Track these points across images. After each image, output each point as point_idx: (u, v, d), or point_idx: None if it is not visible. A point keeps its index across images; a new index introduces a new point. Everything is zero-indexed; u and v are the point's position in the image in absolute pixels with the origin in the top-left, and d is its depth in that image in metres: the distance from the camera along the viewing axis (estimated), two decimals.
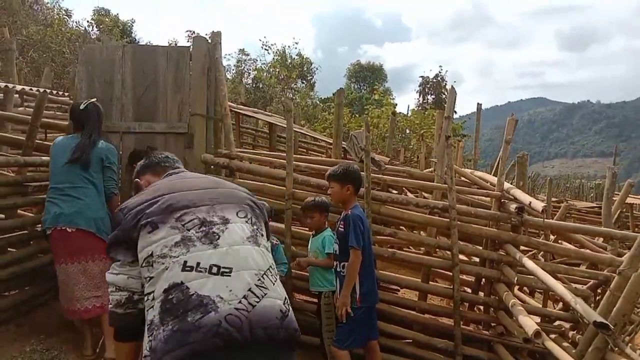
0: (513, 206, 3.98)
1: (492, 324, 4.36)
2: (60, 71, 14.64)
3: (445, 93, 28.50)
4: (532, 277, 3.89)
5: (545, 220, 3.96)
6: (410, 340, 4.30)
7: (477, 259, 4.67)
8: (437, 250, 5.55)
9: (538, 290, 5.32)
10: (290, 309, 1.90)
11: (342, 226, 3.60)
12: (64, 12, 19.37)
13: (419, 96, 31.36)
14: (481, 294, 4.44)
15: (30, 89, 6.86)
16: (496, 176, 4.49)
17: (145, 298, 1.84)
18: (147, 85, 4.72)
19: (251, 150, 8.07)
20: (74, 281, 3.63)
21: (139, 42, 27.26)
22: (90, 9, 28.20)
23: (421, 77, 31.30)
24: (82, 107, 3.82)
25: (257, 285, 1.83)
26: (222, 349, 1.68)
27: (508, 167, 4.83)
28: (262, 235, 2.07)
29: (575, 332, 4.11)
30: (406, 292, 5.46)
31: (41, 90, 4.51)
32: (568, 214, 14.15)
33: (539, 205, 3.67)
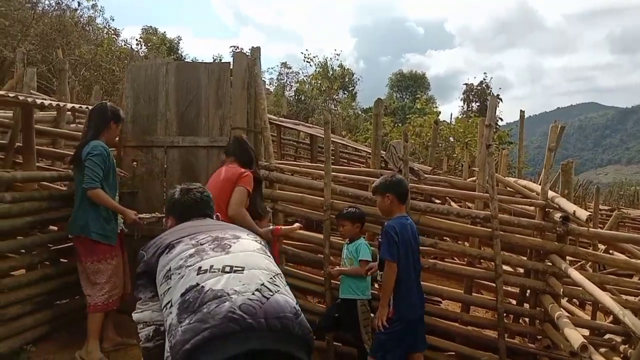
0: (558, 215, 3.86)
1: (538, 337, 4.23)
2: (110, 88, 15.23)
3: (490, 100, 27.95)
4: (579, 288, 3.76)
5: (591, 229, 3.82)
6: (453, 353, 4.22)
7: (522, 270, 4.55)
8: (481, 261, 5.45)
9: (589, 303, 5.12)
10: (302, 314, 1.94)
11: (380, 237, 3.59)
12: (112, 31, 20.14)
13: (463, 104, 30.95)
14: (526, 305, 4.32)
15: (81, 107, 7.18)
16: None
17: (164, 309, 1.91)
18: (189, 100, 4.86)
19: (292, 162, 8.15)
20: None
21: (184, 58, 28.11)
22: (138, 28, 29.24)
23: (465, 84, 30.94)
24: (92, 108, 4.05)
25: (269, 282, 1.91)
26: (239, 333, 1.72)
27: (556, 175, 4.66)
28: (271, 257, 2.16)
29: (627, 346, 3.94)
30: (449, 304, 5.37)
31: (90, 107, 4.70)
32: (621, 222, 13.59)
33: (583, 214, 3.54)
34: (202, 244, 2.01)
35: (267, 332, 1.75)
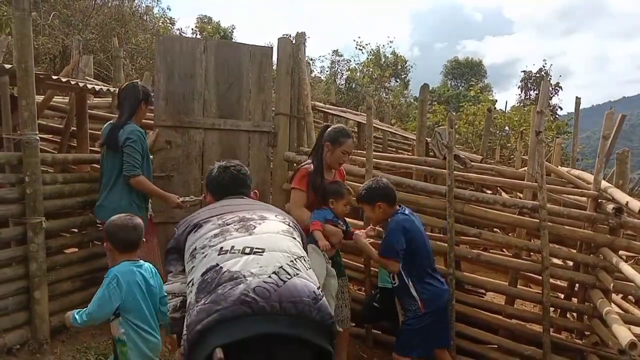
0: (610, 207, 3.67)
1: (586, 333, 4.05)
2: None
3: (551, 88, 26.89)
4: (631, 284, 3.56)
5: None
6: (496, 346, 4.11)
7: (571, 263, 4.36)
8: (531, 253, 5.27)
9: None
10: (324, 298, 1.89)
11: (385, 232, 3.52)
12: (168, 20, 20.66)
13: (521, 92, 29.87)
14: (574, 300, 4.15)
15: None
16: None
17: (187, 286, 1.93)
18: (231, 82, 4.69)
19: None
20: None
21: None
22: (194, 17, 29.88)
23: (523, 71, 29.81)
24: (121, 87, 3.94)
25: (289, 265, 1.87)
26: (250, 316, 1.70)
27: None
28: (297, 239, 2.14)
29: None
30: (495, 296, 5.24)
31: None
32: None
33: (636, 205, 3.35)
34: (228, 224, 2.03)
35: (281, 315, 1.73)
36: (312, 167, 3.54)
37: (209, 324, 1.70)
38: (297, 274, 1.86)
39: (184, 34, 21.13)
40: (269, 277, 1.79)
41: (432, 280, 3.42)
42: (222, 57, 4.67)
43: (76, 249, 4.33)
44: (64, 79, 4.17)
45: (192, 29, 24.49)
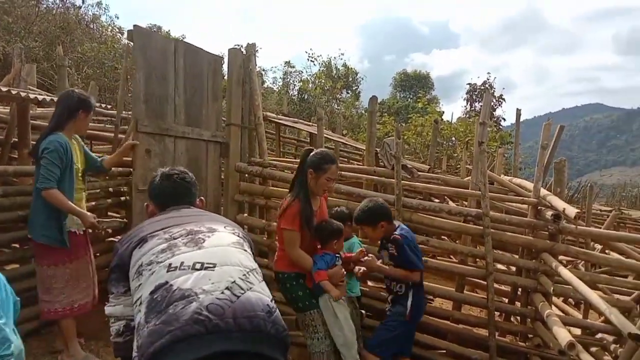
0: (549, 213, 3.86)
1: (529, 336, 4.21)
2: (112, 86, 15.30)
3: (494, 100, 27.93)
4: (570, 287, 3.75)
5: (581, 227, 3.81)
6: (444, 351, 4.21)
7: (514, 268, 4.54)
8: (477, 260, 5.44)
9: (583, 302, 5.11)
10: (278, 311, 1.87)
11: (393, 249, 3.52)
12: (117, 29, 20.22)
13: (467, 104, 30.88)
14: (518, 304, 4.31)
15: None
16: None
17: (135, 306, 1.85)
18: (195, 87, 4.47)
19: (288, 159, 8.16)
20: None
21: None
22: (143, 26, 29.33)
23: (468, 84, 30.87)
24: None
25: (241, 279, 1.83)
26: (204, 335, 1.65)
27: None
28: (248, 250, 2.10)
29: (617, 345, 3.92)
30: (442, 302, 5.37)
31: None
32: (622, 223, 13.57)
33: (572, 211, 3.53)
34: (175, 239, 1.95)
35: (236, 332, 1.69)
36: (300, 204, 3.34)
37: (161, 346, 1.64)
38: (251, 288, 1.83)
39: (132, 44, 20.70)
40: (222, 293, 1.75)
41: (422, 291, 3.63)
42: (189, 61, 4.44)
43: (17, 265, 4.15)
44: (4, 89, 4.02)
45: None
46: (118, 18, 22.64)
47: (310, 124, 10.25)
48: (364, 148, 9.81)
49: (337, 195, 4.45)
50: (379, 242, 3.72)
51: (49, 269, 3.52)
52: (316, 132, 7.75)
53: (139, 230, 2.08)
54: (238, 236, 2.13)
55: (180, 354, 1.62)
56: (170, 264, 1.83)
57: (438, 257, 5.51)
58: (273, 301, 1.89)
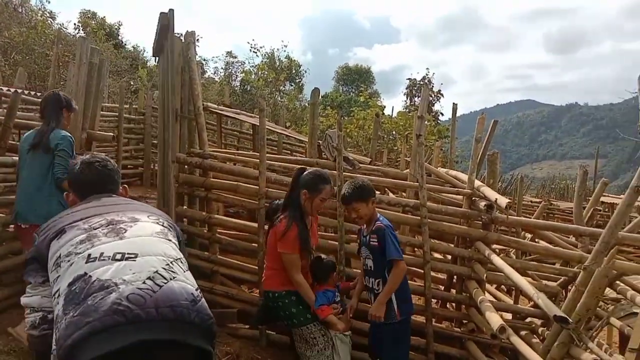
0: (482, 204, 4.01)
1: (464, 321, 4.38)
2: (43, 73, 14.57)
3: (433, 95, 28.69)
4: (502, 274, 3.92)
5: (512, 217, 3.99)
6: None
7: (449, 257, 4.70)
8: (415, 249, 5.58)
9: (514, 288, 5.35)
10: (203, 299, 1.86)
11: (374, 239, 3.45)
12: (47, 14, 19.23)
13: (407, 98, 31.55)
14: (453, 291, 4.47)
15: (8, 90, 6.82)
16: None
17: (53, 298, 1.79)
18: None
19: (230, 151, 8.07)
20: None
21: (125, 45, 27.21)
22: (76, 12, 28.05)
23: (408, 79, 31.52)
24: (44, 96, 3.99)
25: (164, 269, 1.81)
26: (124, 325, 1.62)
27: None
28: (172, 240, 2.06)
29: (545, 328, 4.14)
30: None
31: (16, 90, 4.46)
32: (551, 214, 14.32)
33: (503, 201, 3.70)
34: (95, 229, 1.89)
35: (158, 322, 1.66)
36: (297, 228, 3.32)
37: (79, 338, 1.59)
38: (174, 277, 1.80)
39: (64, 30, 19.74)
40: (144, 283, 1.72)
41: (405, 284, 3.62)
42: None
43: None
44: None
45: (75, 24, 22.98)
46: (49, 2, 21.51)
47: (253, 115, 10.17)
48: (307, 140, 9.87)
49: (279, 187, 4.45)
50: (359, 241, 3.71)
51: None
52: (257, 124, 7.71)
53: (58, 220, 2.00)
54: (162, 225, 2.08)
55: (99, 346, 1.58)
56: (89, 255, 1.78)
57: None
58: (198, 290, 1.87)
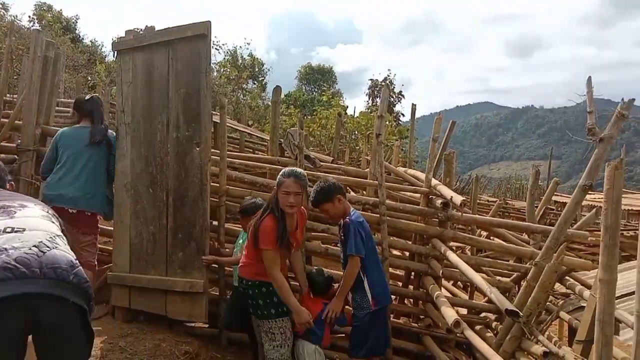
0: (439, 202, 4.12)
1: (422, 317, 4.48)
2: None
3: (394, 96, 29.07)
4: (457, 270, 4.03)
5: (466, 215, 4.11)
6: (343, 335, 4.36)
7: (407, 254, 4.79)
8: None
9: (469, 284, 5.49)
10: (80, 268, 2.13)
11: (342, 234, 3.55)
12: (0, 5, 18.55)
13: (369, 99, 31.86)
14: (411, 287, 4.56)
15: None
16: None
17: None
18: None
19: None
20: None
21: (82, 39, 26.49)
22: (31, 4, 27.12)
23: (370, 80, 31.85)
24: (87, 98, 4.31)
25: (48, 240, 2.13)
26: (12, 280, 1.91)
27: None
28: (55, 223, 2.37)
29: (498, 322, 4.28)
30: None
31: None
32: (507, 212, 14.75)
33: (458, 199, 3.81)
34: None
35: (42, 279, 1.97)
36: (271, 221, 3.32)
37: None
38: (56, 247, 2.11)
39: (18, 22, 19.07)
40: (30, 249, 2.02)
41: (381, 276, 3.63)
42: None
43: None
44: None
45: (30, 17, 22.24)
46: None
47: (215, 113, 10.09)
48: (269, 138, 9.85)
49: (241, 185, 4.45)
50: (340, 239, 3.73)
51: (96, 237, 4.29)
52: (216, 121, 7.65)
53: None
54: (47, 212, 2.41)
55: None
56: None
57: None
58: (77, 260, 2.16)
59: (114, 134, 4.22)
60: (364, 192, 5.71)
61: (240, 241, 4.05)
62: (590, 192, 3.61)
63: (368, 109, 28.74)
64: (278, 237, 3.31)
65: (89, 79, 19.04)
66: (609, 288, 2.18)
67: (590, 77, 3.33)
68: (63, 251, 2.13)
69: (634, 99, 3.18)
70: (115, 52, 4.38)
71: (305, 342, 3.55)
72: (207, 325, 4.34)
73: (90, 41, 26.87)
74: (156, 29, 4.19)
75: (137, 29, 4.77)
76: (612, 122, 3.08)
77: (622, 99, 3.13)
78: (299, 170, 3.53)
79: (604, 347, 2.17)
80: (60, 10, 25.89)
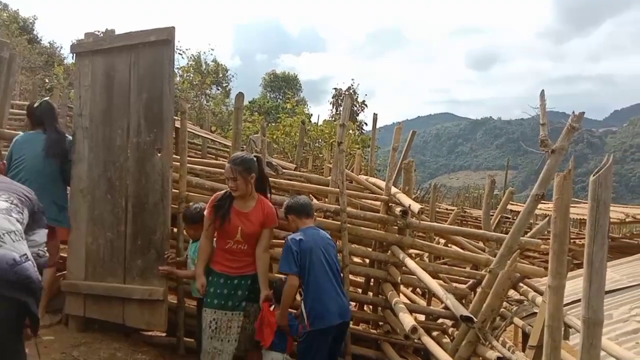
0: (398, 209, 4.19)
1: (380, 323, 4.54)
2: None
3: (357, 105, 29.35)
4: (415, 276, 4.11)
5: (424, 222, 4.20)
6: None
7: (367, 260, 4.85)
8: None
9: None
10: (29, 263, 2.27)
11: None
12: None
13: (332, 107, 32.02)
14: (370, 294, 4.61)
15: None
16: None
17: None
18: None
19: None
20: None
21: (40, 40, 25.78)
22: None
23: (334, 89, 32.04)
24: (36, 105, 4.21)
25: None
26: None
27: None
28: (19, 213, 2.46)
29: (455, 328, 4.38)
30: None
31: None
32: (465, 221, 15.08)
33: (416, 207, 3.89)
34: None
35: None
36: (220, 194, 3.72)
37: None
38: (1, 246, 2.20)
39: None
40: None
41: (328, 299, 3.47)
42: None
43: None
44: None
45: None
46: None
47: (176, 118, 9.98)
48: (231, 145, 9.80)
49: (202, 191, 4.42)
50: None
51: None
52: (177, 127, 7.57)
53: None
54: (11, 203, 2.45)
55: None
56: None
57: None
58: (25, 256, 2.27)
59: (71, 138, 4.11)
60: (326, 200, 5.75)
61: (191, 252, 3.98)
62: (543, 202, 3.76)
63: (332, 117, 28.91)
64: (215, 208, 3.61)
65: (47, 81, 18.53)
66: (558, 294, 2.22)
67: (543, 91, 3.45)
68: (7, 250, 2.23)
69: (583, 112, 3.31)
70: (74, 55, 4.29)
71: (272, 353, 3.60)
72: (164, 334, 4.28)
73: (49, 42, 26.23)
74: (116, 33, 4.14)
75: (98, 31, 4.71)
76: (564, 134, 3.21)
77: (573, 112, 3.26)
78: (241, 155, 3.65)
79: (553, 352, 2.23)
80: (17, 10, 25.16)
